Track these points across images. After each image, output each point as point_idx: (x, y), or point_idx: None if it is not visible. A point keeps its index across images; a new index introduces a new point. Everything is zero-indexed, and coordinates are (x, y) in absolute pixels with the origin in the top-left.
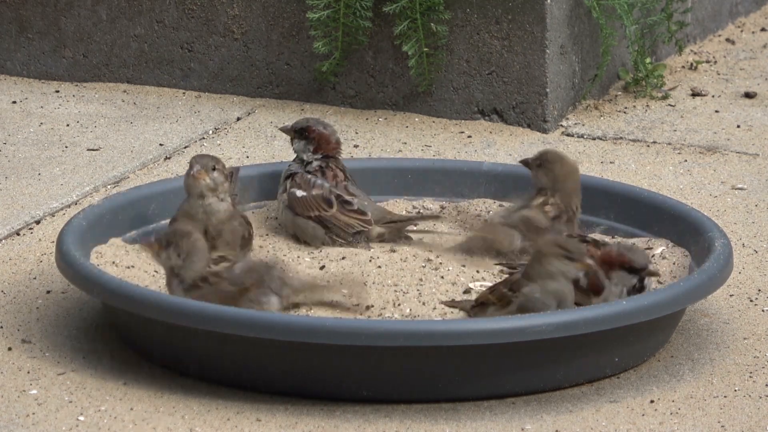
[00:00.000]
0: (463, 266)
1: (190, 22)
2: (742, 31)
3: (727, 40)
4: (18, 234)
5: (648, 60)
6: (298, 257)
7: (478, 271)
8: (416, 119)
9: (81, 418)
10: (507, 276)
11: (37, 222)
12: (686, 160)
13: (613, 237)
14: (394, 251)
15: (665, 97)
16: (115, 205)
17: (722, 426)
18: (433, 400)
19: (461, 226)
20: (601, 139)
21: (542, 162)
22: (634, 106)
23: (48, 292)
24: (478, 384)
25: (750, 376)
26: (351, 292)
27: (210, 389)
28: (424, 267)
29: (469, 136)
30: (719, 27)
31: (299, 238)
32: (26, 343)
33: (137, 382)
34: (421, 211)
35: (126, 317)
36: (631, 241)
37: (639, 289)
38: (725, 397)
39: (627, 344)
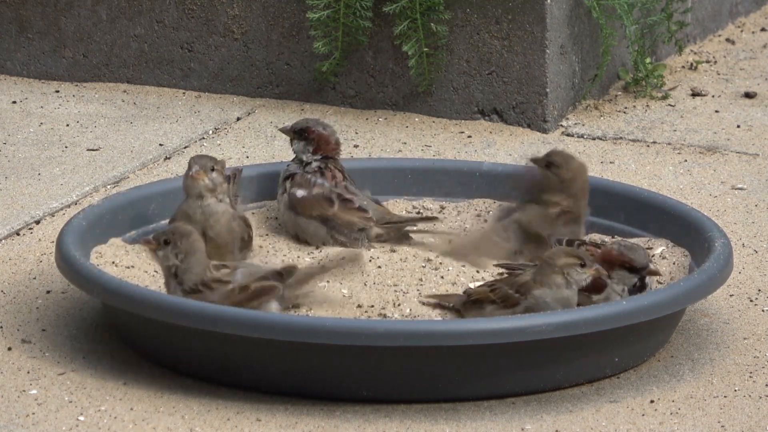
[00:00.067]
0: (463, 266)
1: (190, 22)
2: (742, 31)
3: (727, 40)
4: (18, 234)
5: (648, 60)
6: (298, 257)
7: (478, 271)
8: (416, 119)
9: (81, 418)
10: (507, 275)
11: (37, 222)
12: (686, 160)
13: (613, 237)
14: (394, 251)
15: (665, 97)
16: (115, 205)
17: (722, 426)
18: (433, 400)
19: (461, 226)
20: (601, 139)
21: (549, 162)
22: (634, 106)
23: (48, 292)
24: (478, 384)
25: (750, 376)
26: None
27: (210, 389)
28: (424, 267)
29: (469, 136)
30: (719, 27)
31: (300, 238)
32: (26, 343)
33: (137, 382)
34: (421, 211)
35: (126, 317)
36: (631, 241)
37: (640, 288)
38: (725, 397)
39: (627, 344)
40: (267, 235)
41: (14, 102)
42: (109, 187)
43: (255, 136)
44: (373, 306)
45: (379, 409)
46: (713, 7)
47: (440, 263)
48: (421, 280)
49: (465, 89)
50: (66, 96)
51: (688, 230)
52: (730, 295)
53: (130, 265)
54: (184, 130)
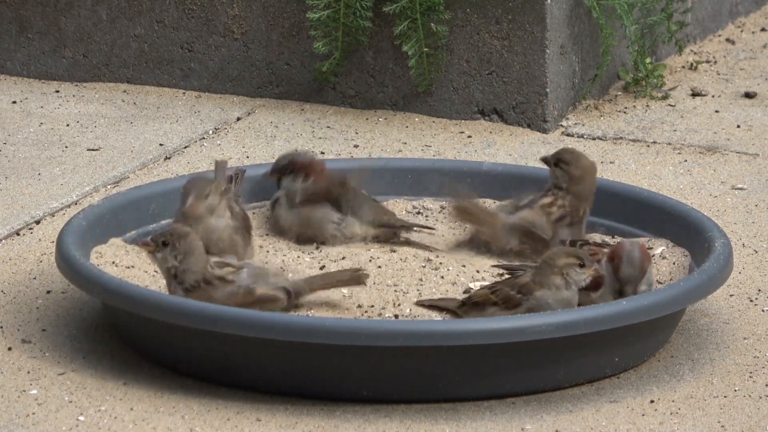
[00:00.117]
0: (463, 266)
1: (190, 22)
2: (742, 31)
3: (727, 40)
4: (18, 234)
5: (648, 60)
6: (298, 257)
7: (478, 271)
8: (416, 119)
9: (81, 418)
10: (508, 277)
11: (37, 222)
12: (686, 160)
13: (613, 237)
14: (394, 251)
15: (665, 97)
16: (115, 205)
17: (722, 426)
18: (433, 400)
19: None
20: (601, 139)
21: (558, 161)
22: (634, 106)
23: (48, 292)
24: (478, 384)
25: (750, 376)
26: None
27: (210, 389)
28: (424, 267)
29: (469, 136)
30: (719, 27)
31: (300, 240)
32: (26, 343)
33: (137, 382)
34: (421, 211)
35: (126, 317)
36: (631, 241)
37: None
38: (725, 397)
39: (627, 344)
40: (267, 235)
41: (14, 102)
42: (109, 187)
43: (255, 136)
44: (373, 306)
45: (379, 409)
46: (713, 7)
47: (440, 263)
48: (421, 280)
49: (465, 89)
50: (66, 96)
51: (688, 230)
52: (730, 295)
53: (130, 265)
54: (184, 130)
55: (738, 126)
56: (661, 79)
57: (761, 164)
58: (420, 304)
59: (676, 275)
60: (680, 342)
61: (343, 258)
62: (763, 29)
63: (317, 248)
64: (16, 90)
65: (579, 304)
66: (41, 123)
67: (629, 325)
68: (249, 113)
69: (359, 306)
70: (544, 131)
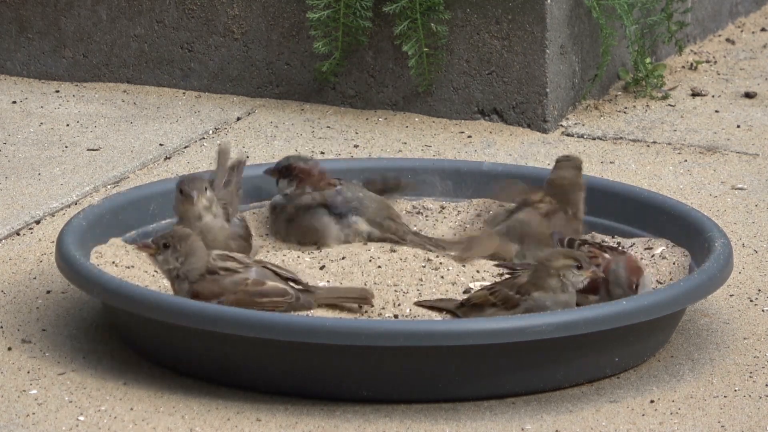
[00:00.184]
0: (463, 266)
1: (190, 22)
2: (742, 31)
3: (727, 40)
4: (18, 234)
5: (648, 60)
6: (298, 257)
7: (478, 271)
8: (416, 119)
9: (81, 418)
10: (507, 278)
11: (37, 222)
12: (686, 160)
13: (613, 237)
14: (394, 251)
15: (665, 97)
16: (115, 205)
17: (722, 426)
18: (433, 400)
19: (461, 226)
20: (601, 139)
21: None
22: (634, 106)
23: (48, 292)
24: (478, 384)
25: (750, 376)
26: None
27: (210, 389)
28: (424, 267)
29: (469, 136)
30: (719, 27)
31: (302, 242)
32: (26, 343)
33: (137, 382)
34: (421, 211)
35: (126, 317)
36: (630, 241)
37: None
38: (725, 397)
39: (627, 344)
40: (267, 235)
41: (14, 102)
42: (109, 187)
43: (255, 136)
44: (373, 306)
45: (379, 409)
46: (713, 7)
47: (440, 263)
48: (421, 280)
49: (465, 89)
50: (66, 96)
51: (688, 230)
52: (730, 295)
53: (130, 265)
54: (184, 130)
55: (738, 126)
56: (661, 79)
57: (761, 164)
58: (419, 305)
59: (676, 275)
60: (680, 342)
61: (343, 258)
62: (763, 29)
63: (317, 248)
64: (16, 90)
65: (578, 305)
66: (41, 123)
67: (629, 325)
68: (249, 113)
69: (359, 306)
70: (544, 131)
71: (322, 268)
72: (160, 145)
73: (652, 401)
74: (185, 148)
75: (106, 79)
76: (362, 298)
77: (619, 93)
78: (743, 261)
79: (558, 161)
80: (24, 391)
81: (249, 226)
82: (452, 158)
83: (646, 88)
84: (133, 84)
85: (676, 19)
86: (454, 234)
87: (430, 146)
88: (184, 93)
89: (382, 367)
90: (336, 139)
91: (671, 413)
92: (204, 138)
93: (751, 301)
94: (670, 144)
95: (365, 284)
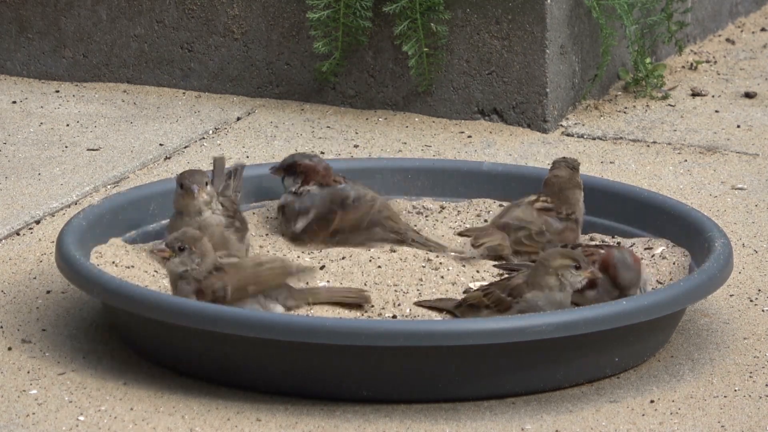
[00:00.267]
0: (463, 266)
1: (190, 22)
2: (742, 31)
3: (727, 40)
4: (18, 234)
5: (648, 60)
6: (298, 257)
7: (478, 271)
8: (416, 119)
9: (81, 418)
10: (503, 279)
11: (37, 222)
12: (686, 160)
13: (613, 237)
14: (394, 251)
15: (665, 97)
16: (115, 205)
17: (722, 426)
18: (433, 400)
19: (461, 226)
20: (601, 139)
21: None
22: (634, 106)
23: (48, 292)
24: (478, 384)
25: (750, 376)
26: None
27: (210, 389)
28: (424, 267)
29: (469, 136)
30: (719, 27)
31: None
32: (26, 343)
33: (137, 382)
34: (421, 211)
35: (126, 317)
36: (631, 241)
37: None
38: (725, 397)
39: (627, 344)
40: (267, 235)
41: (14, 102)
42: (109, 187)
43: (255, 136)
44: (373, 306)
45: (379, 409)
46: (713, 7)
47: (440, 263)
48: (421, 280)
49: (465, 89)
50: (66, 96)
51: (688, 230)
52: (730, 295)
53: (130, 265)
54: (184, 130)
55: (738, 126)
56: (661, 79)
57: (761, 164)
58: (419, 305)
59: (676, 275)
60: (680, 342)
61: (343, 258)
62: (763, 29)
63: (319, 249)
64: (16, 90)
65: (575, 305)
66: (41, 123)
67: (629, 325)
68: (249, 113)
69: (359, 306)
70: (544, 131)
71: (322, 268)
72: (160, 145)
73: (652, 401)
74: (185, 148)
75: (106, 79)
76: (360, 299)
77: (619, 93)
78: (743, 261)
79: (554, 162)
80: (24, 391)
81: (248, 222)
82: (452, 158)
83: (646, 88)
84: (133, 84)
85: (676, 19)
86: (454, 233)
87: (430, 146)
88: (184, 93)
89: (382, 367)
90: (336, 139)
91: (671, 413)
92: (204, 138)
93: (751, 301)
94: (670, 144)
95: (365, 284)
